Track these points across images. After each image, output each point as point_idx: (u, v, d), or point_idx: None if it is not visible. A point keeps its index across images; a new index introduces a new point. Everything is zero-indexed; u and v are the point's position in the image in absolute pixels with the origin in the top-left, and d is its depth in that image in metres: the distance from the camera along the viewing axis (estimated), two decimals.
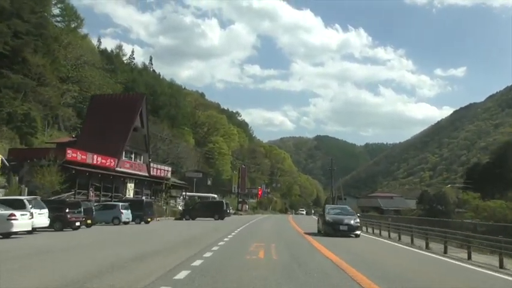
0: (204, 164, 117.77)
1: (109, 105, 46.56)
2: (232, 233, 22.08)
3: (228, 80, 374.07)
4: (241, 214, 59.31)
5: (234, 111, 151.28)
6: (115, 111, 45.36)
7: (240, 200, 72.16)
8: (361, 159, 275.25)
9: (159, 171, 51.95)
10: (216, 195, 68.23)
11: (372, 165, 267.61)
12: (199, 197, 58.99)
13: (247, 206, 67.11)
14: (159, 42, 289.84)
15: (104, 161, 40.84)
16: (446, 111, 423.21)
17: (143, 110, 47.96)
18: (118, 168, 43.10)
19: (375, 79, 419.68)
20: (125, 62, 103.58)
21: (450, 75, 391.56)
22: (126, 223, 31.64)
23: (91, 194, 38.23)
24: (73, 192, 35.49)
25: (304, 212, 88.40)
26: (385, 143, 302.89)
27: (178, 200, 58.39)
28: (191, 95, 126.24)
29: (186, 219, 42.68)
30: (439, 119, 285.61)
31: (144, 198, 39.27)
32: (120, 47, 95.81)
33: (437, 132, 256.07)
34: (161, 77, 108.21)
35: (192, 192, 69.87)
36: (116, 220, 31.13)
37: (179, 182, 61.54)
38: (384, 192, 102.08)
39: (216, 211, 44.28)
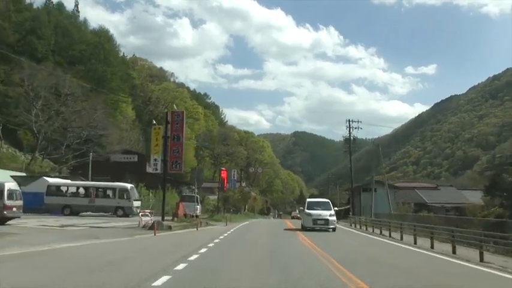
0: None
1: None
2: None
3: (202, 80, 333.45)
4: (171, 228, 20.62)
5: (202, 92, 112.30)
6: None
7: (189, 191, 33.74)
8: (340, 155, 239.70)
9: None
10: (130, 185, 29.62)
11: (352, 160, 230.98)
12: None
13: (197, 207, 28.44)
14: (130, 42, 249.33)
15: None
16: (418, 109, 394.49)
17: None
18: None
19: (347, 78, 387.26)
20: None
21: (421, 73, 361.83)
22: None
23: None
24: None
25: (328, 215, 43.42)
26: (364, 138, 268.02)
27: None
28: (142, 62, 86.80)
29: None
30: (413, 116, 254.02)
31: None
32: None
33: (419, 125, 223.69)
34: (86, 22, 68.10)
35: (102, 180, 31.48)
36: None
37: None
38: (413, 181, 64.66)
39: None
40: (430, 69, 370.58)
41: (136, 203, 28.46)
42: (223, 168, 37.22)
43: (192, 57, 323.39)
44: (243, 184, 70.45)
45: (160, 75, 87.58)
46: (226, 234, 18.42)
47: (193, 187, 35.58)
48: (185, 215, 24.13)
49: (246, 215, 48.99)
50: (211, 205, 38.13)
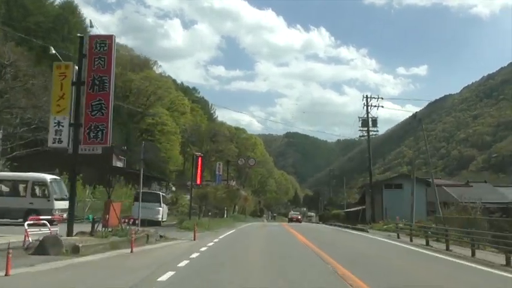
0: (137, 146, 68.61)
1: None
2: None
3: (193, 81, 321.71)
4: (77, 250, 10.99)
5: (191, 86, 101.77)
6: None
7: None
8: (333, 156, 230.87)
9: None
10: (51, 177, 18.99)
11: (346, 161, 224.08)
12: None
13: (159, 210, 17.77)
14: (121, 43, 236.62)
15: None
16: (409, 109, 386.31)
17: None
18: None
19: (339, 79, 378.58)
20: None
21: (412, 74, 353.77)
22: None
23: None
24: None
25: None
26: (357, 139, 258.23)
27: None
28: (120, 49, 75.85)
29: None
30: (406, 116, 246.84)
31: None
32: None
33: (413, 125, 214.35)
34: None
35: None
36: None
37: None
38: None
39: None
40: (422, 70, 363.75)
41: (61, 204, 17.77)
42: (198, 154, 25.07)
43: (183, 59, 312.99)
44: (233, 183, 59.84)
45: (142, 64, 76.73)
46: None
47: (166, 184, 25.04)
48: (121, 223, 13.55)
49: (234, 219, 38.31)
50: (187, 206, 27.55)
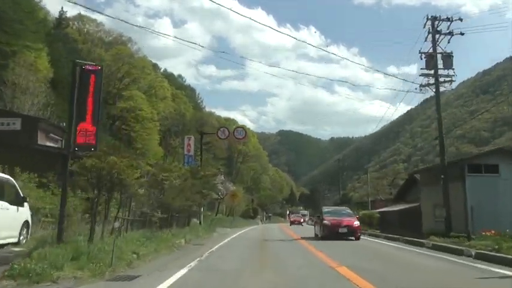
0: (114, 137, 55.11)
1: None
2: None
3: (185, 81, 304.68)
4: None
5: (176, 74, 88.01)
6: None
7: None
8: (327, 154, 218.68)
9: None
10: None
11: (338, 160, 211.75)
12: None
13: None
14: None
15: None
16: (401, 108, 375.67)
17: None
18: None
19: (330, 78, 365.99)
20: None
21: (403, 73, 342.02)
22: None
23: None
24: None
25: None
26: (350, 136, 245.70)
27: None
28: (90, 23, 62.22)
29: None
30: (396, 116, 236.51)
31: None
32: None
33: (408, 122, 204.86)
34: None
35: None
36: None
37: None
38: None
39: None
40: (412, 68, 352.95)
41: None
42: (86, 62, 11.17)
43: (174, 58, 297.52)
44: (222, 178, 45.96)
45: (114, 41, 62.94)
46: None
47: None
48: None
49: (213, 224, 23.98)
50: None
